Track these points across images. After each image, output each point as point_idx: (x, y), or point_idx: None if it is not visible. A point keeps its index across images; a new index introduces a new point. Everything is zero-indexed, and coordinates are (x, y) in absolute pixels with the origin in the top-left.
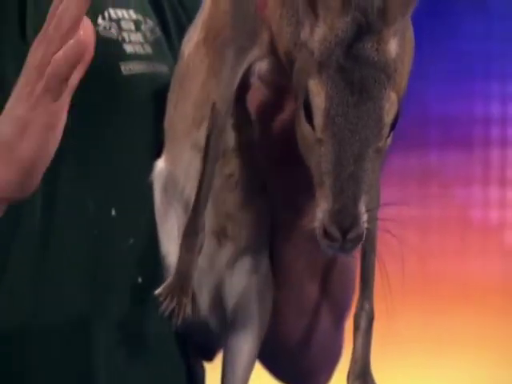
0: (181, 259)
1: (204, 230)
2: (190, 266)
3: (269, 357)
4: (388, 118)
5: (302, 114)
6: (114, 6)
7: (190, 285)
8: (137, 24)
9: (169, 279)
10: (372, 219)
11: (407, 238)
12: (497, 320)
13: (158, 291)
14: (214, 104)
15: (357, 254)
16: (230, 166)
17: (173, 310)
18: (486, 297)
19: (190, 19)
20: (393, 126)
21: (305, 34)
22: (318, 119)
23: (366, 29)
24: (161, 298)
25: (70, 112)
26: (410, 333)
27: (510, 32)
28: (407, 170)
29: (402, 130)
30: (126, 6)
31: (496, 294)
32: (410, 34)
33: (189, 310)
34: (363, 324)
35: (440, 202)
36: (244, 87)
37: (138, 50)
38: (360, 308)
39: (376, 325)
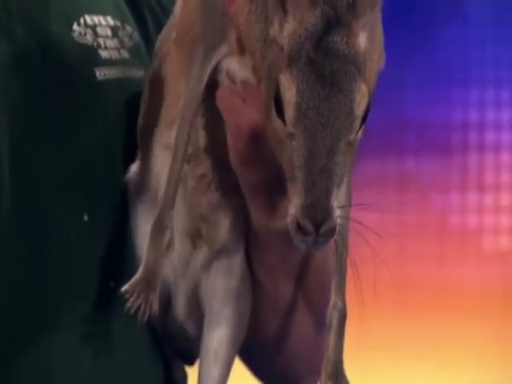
0: (148, 256)
1: (171, 226)
2: (157, 263)
3: (248, 356)
4: (359, 111)
5: (272, 109)
6: (91, 13)
7: (157, 281)
8: (114, 30)
9: (135, 276)
10: (344, 216)
11: (384, 244)
12: (474, 325)
13: (124, 288)
14: (182, 101)
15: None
16: (203, 167)
17: (139, 307)
18: (464, 302)
19: None
20: (364, 119)
21: (274, 29)
22: (290, 113)
23: (335, 22)
24: (127, 295)
25: (44, 117)
26: (387, 338)
27: (488, 38)
28: (385, 176)
29: (380, 136)
30: (103, 12)
31: (473, 299)
32: (379, 30)
33: (155, 306)
34: (335, 322)
35: (417, 207)
36: (213, 85)
37: (114, 55)
38: (332, 306)
39: (351, 330)
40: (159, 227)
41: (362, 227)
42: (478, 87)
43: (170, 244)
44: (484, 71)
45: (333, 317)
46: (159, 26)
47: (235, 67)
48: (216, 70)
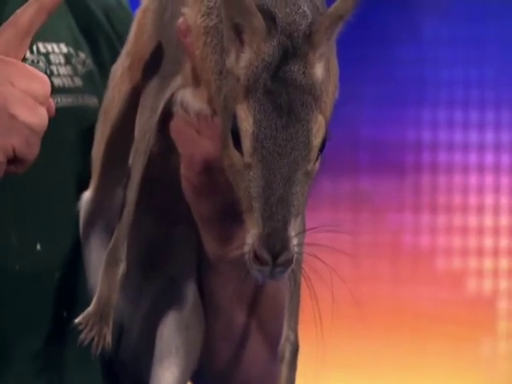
0: (101, 288)
1: (125, 258)
2: (111, 295)
3: (201, 383)
4: (316, 141)
5: (229, 140)
6: (44, 40)
7: (110, 314)
8: (67, 57)
9: (89, 308)
10: (300, 244)
11: (338, 264)
12: (428, 345)
13: (77, 320)
14: (136, 131)
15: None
16: (155, 196)
17: (92, 339)
18: (417, 322)
19: None
20: (321, 150)
21: (230, 60)
22: (247, 144)
23: (292, 52)
24: (80, 327)
25: None
26: (341, 358)
27: (442, 58)
28: (339, 195)
29: (333, 155)
30: (57, 40)
31: (426, 318)
32: (334, 61)
33: (109, 338)
34: (288, 354)
35: (371, 227)
36: (167, 116)
37: (67, 83)
38: (285, 338)
39: (308, 350)
40: (113, 260)
41: (317, 246)
42: (431, 107)
43: (123, 276)
44: (438, 91)
45: (285, 349)
46: (113, 52)
47: (189, 99)
48: (170, 101)
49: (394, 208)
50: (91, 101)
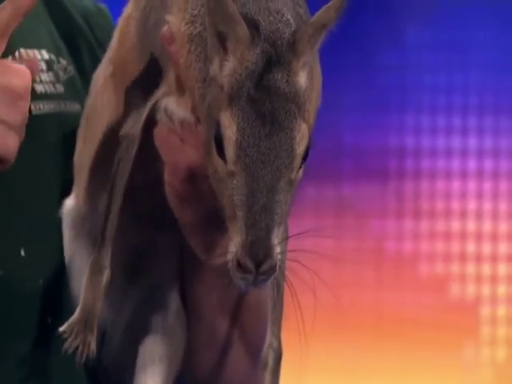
0: (86, 296)
1: (109, 266)
2: (96, 304)
3: None
4: (299, 149)
5: (213, 148)
6: (26, 46)
7: (94, 322)
8: (49, 64)
9: (73, 316)
10: (282, 251)
11: (321, 269)
12: (410, 350)
13: (62, 328)
14: (119, 140)
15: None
16: (139, 203)
17: (77, 348)
18: (400, 327)
19: None
20: (304, 158)
21: (214, 68)
22: (230, 151)
23: (276, 60)
24: (65, 336)
25: None
26: (324, 363)
27: (424, 64)
28: (322, 201)
29: (316, 161)
30: (38, 46)
31: (410, 324)
32: (318, 70)
33: (93, 347)
34: (271, 361)
35: (354, 233)
36: (151, 123)
37: (49, 89)
38: (268, 346)
39: (290, 356)
40: (97, 267)
41: (300, 252)
42: (414, 113)
43: (107, 284)
44: (421, 97)
45: (268, 356)
46: (94, 59)
47: (173, 106)
48: (154, 109)
49: (377, 214)
50: (73, 107)
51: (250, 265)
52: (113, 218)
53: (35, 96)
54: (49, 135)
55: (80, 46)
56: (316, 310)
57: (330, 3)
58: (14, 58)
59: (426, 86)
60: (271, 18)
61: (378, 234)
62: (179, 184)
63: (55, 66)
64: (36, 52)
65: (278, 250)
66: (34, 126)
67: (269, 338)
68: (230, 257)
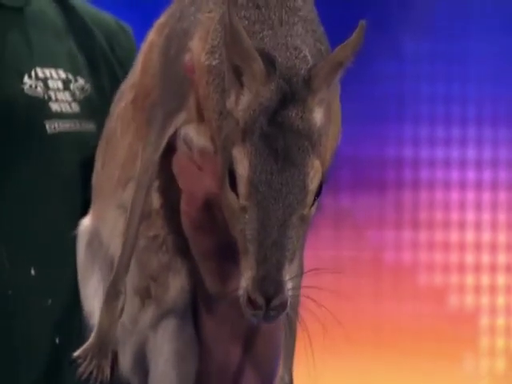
0: (101, 321)
1: (125, 292)
2: (111, 329)
3: None
4: (312, 186)
5: (227, 181)
6: (42, 65)
7: (109, 347)
8: (65, 83)
9: (88, 341)
10: (295, 287)
11: (320, 279)
12: (410, 361)
13: (76, 353)
14: (139, 165)
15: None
16: (155, 228)
17: (91, 373)
18: (399, 338)
19: (127, 76)
20: (317, 194)
21: (231, 102)
22: (242, 187)
23: (291, 97)
24: (79, 360)
25: None
26: (322, 374)
27: (423, 74)
28: (319, 212)
29: None
30: (55, 65)
31: (409, 335)
32: (337, 105)
33: (107, 372)
34: None
35: (353, 243)
36: (170, 150)
37: (65, 108)
38: (280, 379)
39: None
40: (113, 292)
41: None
42: (412, 124)
43: (123, 310)
44: (419, 108)
45: None
46: (114, 78)
47: (193, 135)
48: (174, 134)
49: (375, 225)
50: (89, 126)
51: (261, 301)
52: (130, 243)
53: (51, 115)
54: (64, 154)
55: (100, 64)
56: (315, 322)
57: (347, 41)
58: (30, 76)
59: (424, 97)
60: (288, 53)
61: (377, 244)
62: (195, 212)
63: (72, 86)
64: (53, 71)
65: (289, 285)
66: (49, 144)
67: (281, 372)
68: (240, 292)
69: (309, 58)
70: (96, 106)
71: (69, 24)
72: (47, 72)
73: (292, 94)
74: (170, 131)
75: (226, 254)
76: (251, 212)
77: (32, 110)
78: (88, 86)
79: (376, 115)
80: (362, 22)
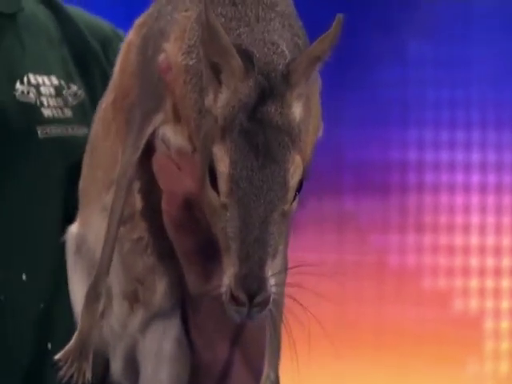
0: (82, 324)
1: (106, 293)
2: (91, 331)
3: None
4: (293, 181)
5: (207, 179)
6: (35, 72)
7: (90, 350)
8: (57, 89)
9: (69, 344)
10: (278, 284)
11: (324, 283)
12: (413, 365)
13: (57, 356)
14: (118, 167)
15: None
16: (139, 230)
17: (72, 376)
18: (403, 342)
19: None
20: (298, 190)
21: (209, 100)
22: (223, 184)
23: (269, 92)
24: (60, 364)
25: None
26: (325, 378)
27: (427, 79)
28: (323, 216)
29: (318, 176)
30: (48, 72)
31: (413, 339)
32: (316, 100)
33: (88, 375)
34: None
35: (356, 247)
36: (150, 150)
37: (57, 114)
38: (266, 377)
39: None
40: (94, 295)
41: (302, 270)
42: (416, 128)
43: (103, 312)
44: (423, 112)
45: None
46: (107, 84)
47: (170, 135)
48: (153, 134)
49: (379, 228)
50: (81, 131)
51: (243, 297)
52: (110, 245)
53: (42, 120)
54: (56, 159)
55: (93, 70)
56: (317, 324)
57: (324, 34)
58: (22, 83)
59: (429, 101)
60: (266, 49)
61: (381, 248)
62: (176, 211)
63: (64, 92)
64: (45, 77)
65: (272, 282)
66: (41, 149)
67: (266, 369)
68: (223, 289)
69: (286, 52)
70: (89, 112)
71: (62, 30)
72: (39, 79)
73: (271, 89)
74: (149, 131)
75: (209, 253)
76: (232, 209)
77: (23, 116)
78: (81, 92)
79: (380, 119)
80: (340, 16)
